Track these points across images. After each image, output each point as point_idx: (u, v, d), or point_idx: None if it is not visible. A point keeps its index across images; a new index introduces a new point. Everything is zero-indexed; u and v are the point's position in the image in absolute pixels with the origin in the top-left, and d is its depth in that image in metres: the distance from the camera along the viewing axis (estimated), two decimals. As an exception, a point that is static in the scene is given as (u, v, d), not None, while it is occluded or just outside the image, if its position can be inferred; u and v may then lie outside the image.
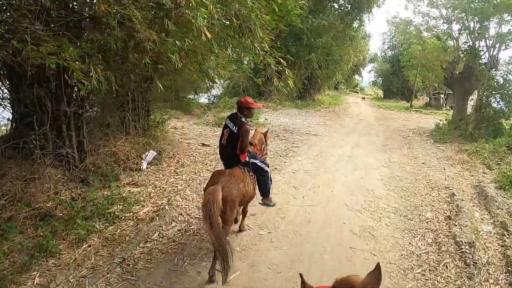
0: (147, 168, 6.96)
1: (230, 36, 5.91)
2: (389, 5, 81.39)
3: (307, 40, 18.66)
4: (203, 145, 9.38)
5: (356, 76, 48.50)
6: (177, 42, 4.49)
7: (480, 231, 5.33)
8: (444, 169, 8.85)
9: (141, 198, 5.66)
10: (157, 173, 6.88)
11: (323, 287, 1.29)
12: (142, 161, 7.08)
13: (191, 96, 17.69)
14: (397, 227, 5.22)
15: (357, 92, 51.45)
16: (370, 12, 20.51)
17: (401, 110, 25.92)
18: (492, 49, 13.76)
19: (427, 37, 18.79)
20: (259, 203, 4.63)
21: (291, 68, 19.22)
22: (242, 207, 4.37)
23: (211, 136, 10.41)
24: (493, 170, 8.71)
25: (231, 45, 6.44)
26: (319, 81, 21.77)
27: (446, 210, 6.03)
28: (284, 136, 10.93)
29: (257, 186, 4.15)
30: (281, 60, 6.96)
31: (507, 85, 12.51)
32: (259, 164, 4.04)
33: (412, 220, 5.51)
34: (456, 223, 5.44)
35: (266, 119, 13.77)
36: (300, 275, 1.32)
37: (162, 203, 5.56)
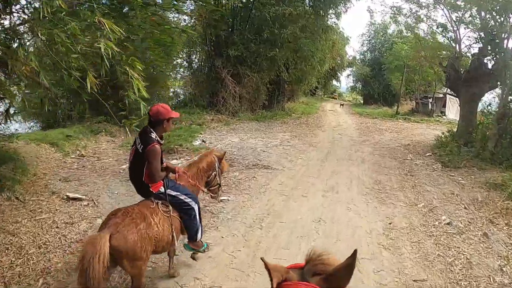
0: None
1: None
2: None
3: (269, 34, 14.67)
4: (69, 200, 5.37)
5: (334, 81, 46.16)
6: None
7: None
8: (487, 235, 4.88)
9: None
10: None
11: (296, 265, 1.10)
12: None
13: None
14: None
15: (335, 98, 49.47)
16: (349, 1, 16.75)
17: (386, 118, 22.23)
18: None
19: (415, 27, 15.04)
20: (185, 247, 3.39)
21: (251, 70, 15.22)
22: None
23: (115, 172, 6.88)
24: None
25: None
26: (285, 85, 17.71)
27: None
28: (214, 174, 6.71)
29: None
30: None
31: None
32: (181, 197, 3.07)
33: None
34: None
35: (203, 141, 9.55)
36: (262, 259, 1.09)
37: None
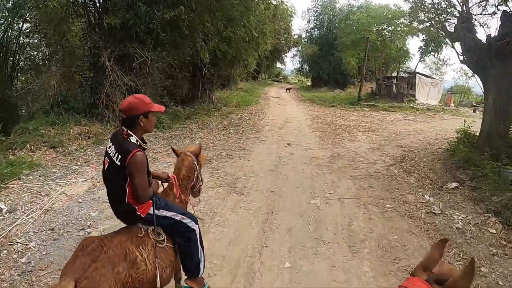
0: None
1: None
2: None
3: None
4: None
5: (278, 64, 41.60)
6: None
7: None
8: None
9: None
10: None
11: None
12: None
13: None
14: None
15: (280, 82, 45.29)
16: None
17: (345, 106, 17.71)
18: None
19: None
20: None
21: (145, 48, 8.85)
22: None
23: None
24: None
25: None
26: (204, 69, 12.11)
27: None
28: None
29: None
30: None
31: None
32: (177, 218, 2.21)
33: None
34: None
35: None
36: None
37: None
